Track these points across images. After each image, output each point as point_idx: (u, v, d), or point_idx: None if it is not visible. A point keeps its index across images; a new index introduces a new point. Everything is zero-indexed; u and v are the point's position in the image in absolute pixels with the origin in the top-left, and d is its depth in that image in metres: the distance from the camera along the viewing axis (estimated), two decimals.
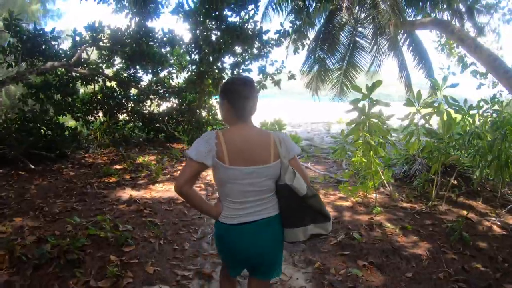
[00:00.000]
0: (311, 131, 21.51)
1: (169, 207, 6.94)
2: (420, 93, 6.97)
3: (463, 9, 12.43)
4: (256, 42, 10.57)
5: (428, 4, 12.13)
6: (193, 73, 11.74)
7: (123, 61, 13.13)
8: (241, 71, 11.16)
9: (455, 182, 7.81)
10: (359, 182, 7.89)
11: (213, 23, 10.29)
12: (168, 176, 9.33)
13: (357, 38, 15.06)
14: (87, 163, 10.37)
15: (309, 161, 11.91)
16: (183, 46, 11.94)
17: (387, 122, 6.72)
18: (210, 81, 11.45)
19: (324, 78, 15.29)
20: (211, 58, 10.60)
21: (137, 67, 13.24)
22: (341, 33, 14.85)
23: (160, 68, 12.88)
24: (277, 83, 11.05)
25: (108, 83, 13.53)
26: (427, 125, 6.83)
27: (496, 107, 7.23)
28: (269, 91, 11.03)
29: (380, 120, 6.56)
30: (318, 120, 29.17)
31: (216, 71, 11.20)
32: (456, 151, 7.73)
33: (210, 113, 14.18)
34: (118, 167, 9.90)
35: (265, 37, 10.63)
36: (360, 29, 15.06)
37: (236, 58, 11.19)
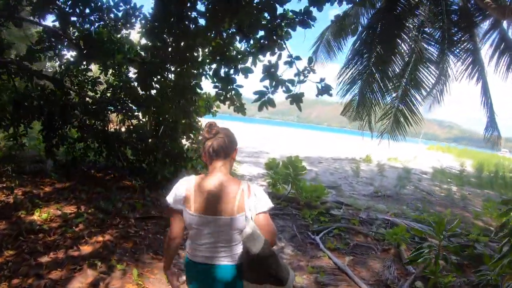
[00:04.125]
0: (335, 172, 16.09)
1: None
2: None
3: None
4: (264, 14, 5.12)
5: None
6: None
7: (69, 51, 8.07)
8: (231, 71, 5.74)
9: None
10: None
11: None
12: None
13: (424, 44, 9.31)
14: None
15: (344, 248, 6.30)
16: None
17: None
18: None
19: (371, 102, 9.55)
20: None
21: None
22: (404, 30, 9.13)
23: (108, 62, 7.53)
24: (296, 99, 5.56)
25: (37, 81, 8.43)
26: None
27: None
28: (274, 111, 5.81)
29: None
30: (341, 155, 23.70)
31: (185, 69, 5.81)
32: None
33: (193, 141, 8.75)
34: None
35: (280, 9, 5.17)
36: (427, 30, 9.36)
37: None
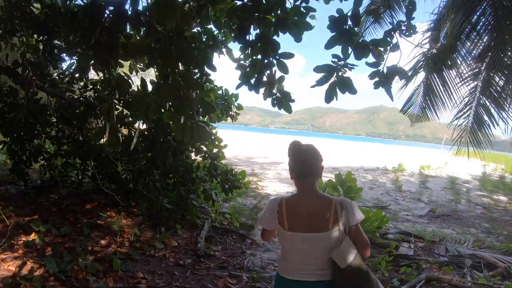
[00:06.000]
0: (373, 186, 13.94)
1: None
2: None
3: None
4: None
5: None
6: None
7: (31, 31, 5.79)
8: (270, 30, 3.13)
9: None
10: None
11: None
12: None
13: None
14: None
15: None
16: None
17: None
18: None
19: (441, 95, 6.91)
20: None
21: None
22: None
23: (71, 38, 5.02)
24: (388, 76, 2.99)
25: None
26: None
27: None
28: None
29: None
30: (368, 164, 21.24)
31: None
32: None
33: (206, 155, 6.17)
34: None
35: None
36: None
37: None
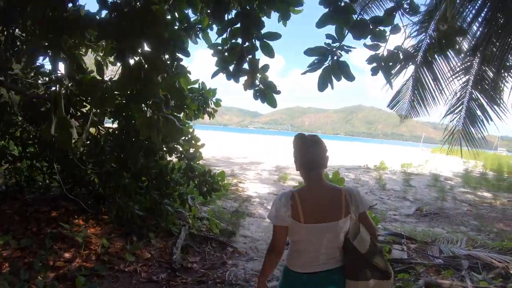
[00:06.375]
0: (357, 185, 13.79)
1: None
2: None
3: None
4: None
5: None
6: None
7: None
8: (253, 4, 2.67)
9: None
10: None
11: None
12: None
13: None
14: None
15: None
16: None
17: None
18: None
19: (431, 89, 6.59)
20: None
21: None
22: None
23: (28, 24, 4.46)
24: (388, 59, 2.58)
25: None
26: None
27: None
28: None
29: None
30: (349, 163, 21.05)
31: None
32: None
33: (182, 155, 5.70)
34: None
35: None
36: None
37: None
